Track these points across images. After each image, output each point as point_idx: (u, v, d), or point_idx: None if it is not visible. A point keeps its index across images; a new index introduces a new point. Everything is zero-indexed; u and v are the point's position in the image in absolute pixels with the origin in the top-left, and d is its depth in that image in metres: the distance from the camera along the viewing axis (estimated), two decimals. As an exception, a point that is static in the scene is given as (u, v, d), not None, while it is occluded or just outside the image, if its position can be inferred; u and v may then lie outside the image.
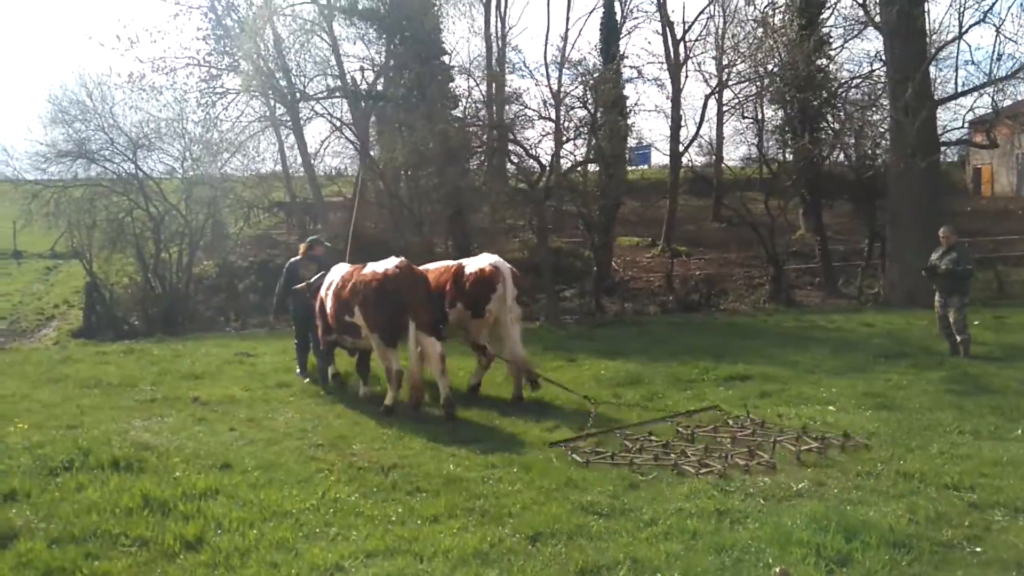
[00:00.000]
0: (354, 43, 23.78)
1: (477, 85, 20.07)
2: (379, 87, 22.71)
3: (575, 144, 16.84)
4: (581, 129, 16.22)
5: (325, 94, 21.48)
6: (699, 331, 14.43)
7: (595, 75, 16.86)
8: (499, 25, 28.16)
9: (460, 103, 19.88)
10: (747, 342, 12.37)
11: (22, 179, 18.73)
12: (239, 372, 10.84)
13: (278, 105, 23.38)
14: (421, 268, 8.74)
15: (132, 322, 17.34)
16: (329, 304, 8.63)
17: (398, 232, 19.53)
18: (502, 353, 8.48)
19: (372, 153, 22.67)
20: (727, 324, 15.35)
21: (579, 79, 16.64)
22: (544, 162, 16.39)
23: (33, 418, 7.64)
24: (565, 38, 25.92)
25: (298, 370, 10.19)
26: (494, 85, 21.76)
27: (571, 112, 16.83)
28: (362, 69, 23.08)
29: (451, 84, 20.40)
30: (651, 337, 13.61)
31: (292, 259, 10.38)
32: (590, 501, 4.93)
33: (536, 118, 16.31)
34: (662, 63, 26.80)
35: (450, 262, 9.23)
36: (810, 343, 12.03)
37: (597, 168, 19.17)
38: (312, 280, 9.37)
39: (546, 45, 43.44)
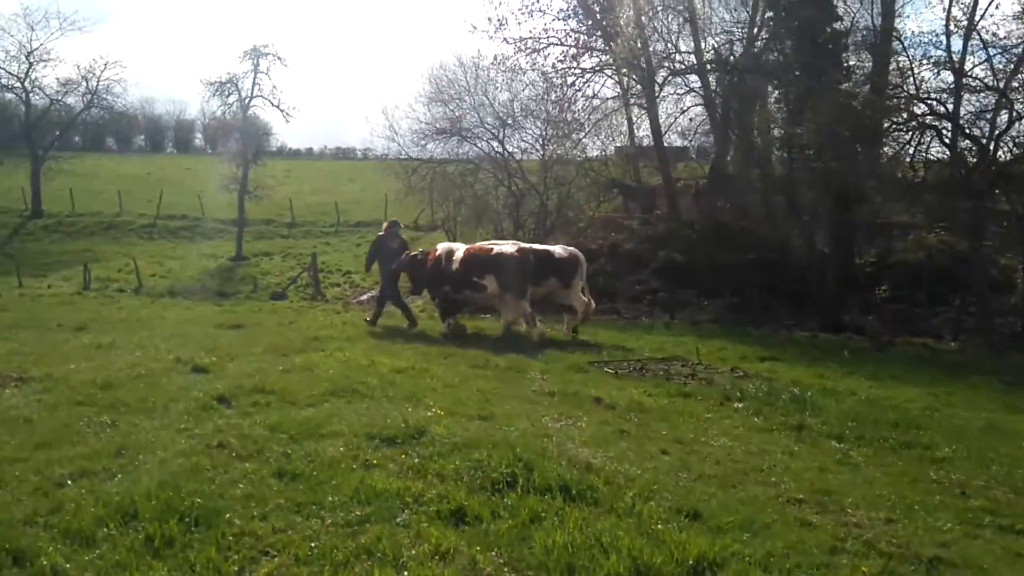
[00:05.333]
0: (735, 11, 21.64)
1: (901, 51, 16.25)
2: (743, 58, 20.47)
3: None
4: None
5: (696, 67, 19.77)
6: None
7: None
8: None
9: (853, 76, 16.88)
10: None
11: (406, 155, 20.08)
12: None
13: (633, 83, 22.39)
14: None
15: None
16: (455, 268, 12.12)
17: (769, 221, 17.19)
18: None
19: (730, 132, 20.64)
20: None
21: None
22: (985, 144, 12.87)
23: (440, 401, 7.04)
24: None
25: (367, 318, 13.00)
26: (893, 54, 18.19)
27: None
28: (731, 42, 21.03)
29: (843, 55, 17.36)
30: None
31: (379, 234, 13.68)
32: None
33: (980, 89, 12.75)
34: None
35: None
36: None
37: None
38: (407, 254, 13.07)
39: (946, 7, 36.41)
